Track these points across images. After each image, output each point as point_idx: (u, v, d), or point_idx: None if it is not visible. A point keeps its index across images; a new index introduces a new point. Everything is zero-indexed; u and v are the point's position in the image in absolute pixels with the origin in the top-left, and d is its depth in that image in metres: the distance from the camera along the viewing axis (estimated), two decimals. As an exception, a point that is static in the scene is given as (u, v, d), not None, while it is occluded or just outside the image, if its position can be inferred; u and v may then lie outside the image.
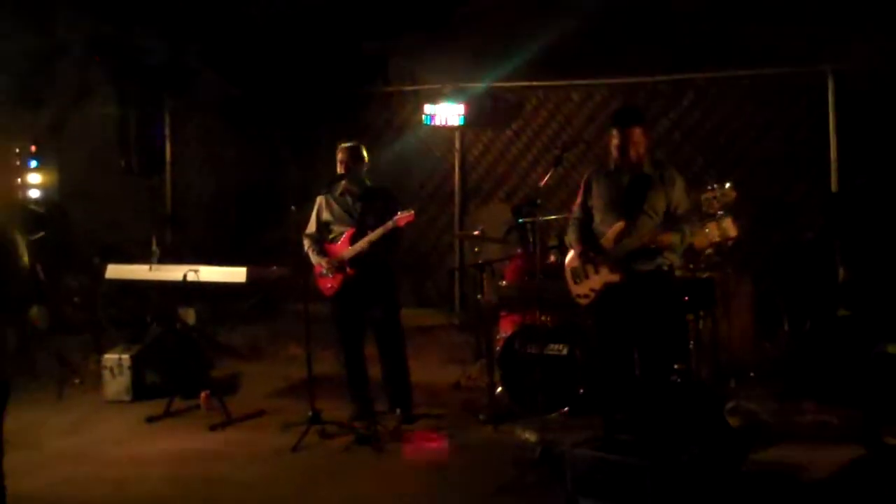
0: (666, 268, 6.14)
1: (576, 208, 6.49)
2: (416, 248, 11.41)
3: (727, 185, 5.95)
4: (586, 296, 6.36)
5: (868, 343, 7.64)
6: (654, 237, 6.01)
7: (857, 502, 5.60)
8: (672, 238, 6.01)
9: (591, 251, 6.26)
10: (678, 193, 6.10)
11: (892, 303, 7.83)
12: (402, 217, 7.17)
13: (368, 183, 7.52)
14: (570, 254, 6.50)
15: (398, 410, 7.44)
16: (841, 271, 9.44)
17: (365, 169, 7.51)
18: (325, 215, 7.54)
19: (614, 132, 6.18)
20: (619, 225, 6.10)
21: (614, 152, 6.20)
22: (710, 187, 6.00)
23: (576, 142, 10.63)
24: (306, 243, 7.57)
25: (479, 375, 8.26)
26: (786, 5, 9.70)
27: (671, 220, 6.03)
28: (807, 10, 9.55)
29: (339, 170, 7.45)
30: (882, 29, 9.15)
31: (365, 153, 7.53)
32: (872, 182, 9.28)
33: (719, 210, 5.92)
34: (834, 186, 9.75)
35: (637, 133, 6.14)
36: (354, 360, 7.51)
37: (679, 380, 7.10)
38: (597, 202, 6.34)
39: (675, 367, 7.08)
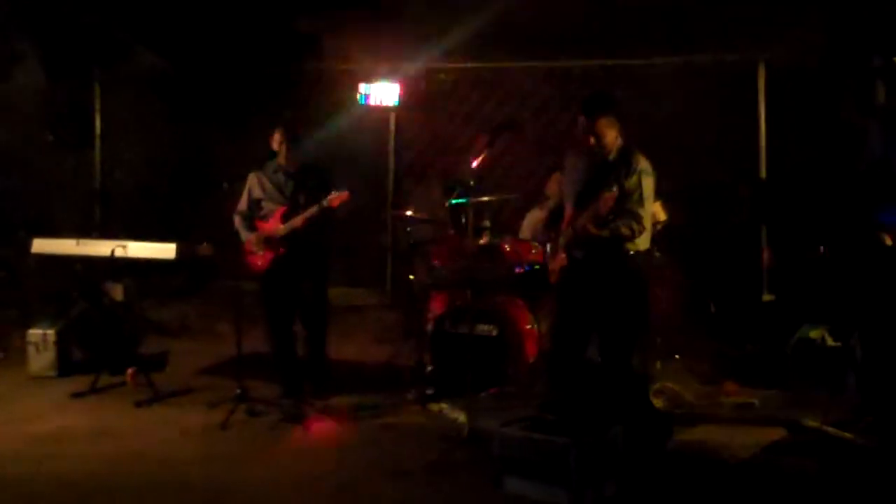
0: (632, 252, 5.98)
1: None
2: (349, 227, 11.35)
3: None
4: (553, 273, 6.39)
5: (790, 327, 7.85)
6: (584, 230, 5.98)
7: (776, 482, 5.71)
8: (601, 233, 5.95)
9: (553, 232, 6.32)
10: (633, 186, 5.91)
11: (815, 288, 8.00)
12: (335, 197, 7.11)
13: (302, 161, 7.47)
14: None
15: (312, 386, 7.41)
16: (766, 257, 9.62)
17: (299, 147, 7.46)
18: (257, 192, 7.48)
19: (581, 119, 6.09)
20: (570, 212, 6.14)
21: (582, 137, 6.15)
22: None
23: (510, 123, 10.61)
24: (237, 220, 7.52)
25: (409, 355, 8.28)
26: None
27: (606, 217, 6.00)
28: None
29: (273, 147, 7.41)
30: (812, 19, 9.29)
31: (299, 131, 7.49)
32: (799, 169, 9.45)
33: None
34: (762, 173, 9.90)
35: (602, 123, 5.98)
36: (282, 338, 7.47)
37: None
38: (563, 185, 6.40)
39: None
